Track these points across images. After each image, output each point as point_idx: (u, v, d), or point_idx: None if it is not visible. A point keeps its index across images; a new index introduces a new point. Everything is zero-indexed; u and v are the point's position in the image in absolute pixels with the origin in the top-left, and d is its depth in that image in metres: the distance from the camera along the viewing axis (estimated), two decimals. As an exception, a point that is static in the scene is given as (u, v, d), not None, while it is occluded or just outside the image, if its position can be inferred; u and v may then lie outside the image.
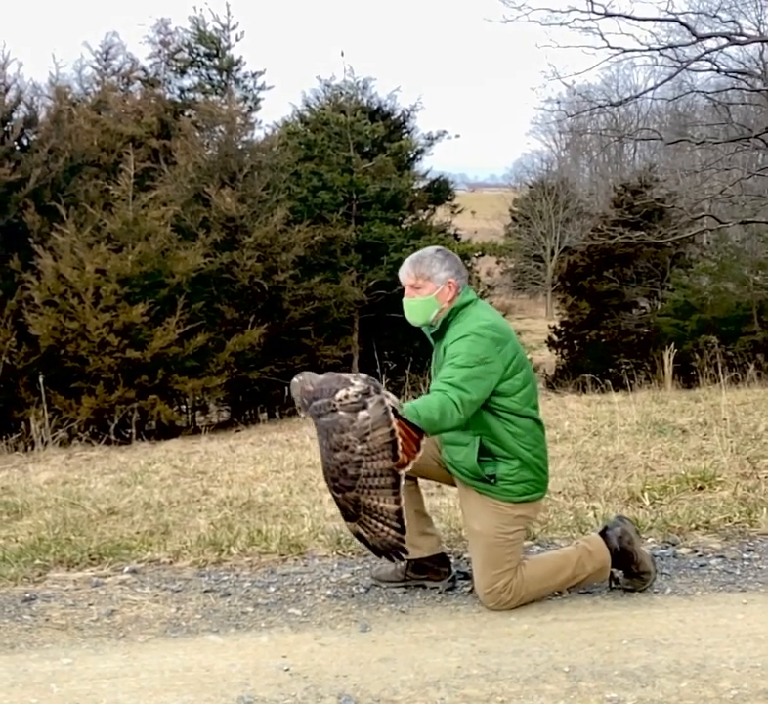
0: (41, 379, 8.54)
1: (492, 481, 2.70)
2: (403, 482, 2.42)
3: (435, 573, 2.95)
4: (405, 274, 2.79)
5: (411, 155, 13.56)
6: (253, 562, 3.29)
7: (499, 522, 2.70)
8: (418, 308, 2.79)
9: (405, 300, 2.81)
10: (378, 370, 10.64)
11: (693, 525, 3.51)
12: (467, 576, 3.03)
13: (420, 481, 2.99)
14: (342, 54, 13.19)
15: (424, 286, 2.76)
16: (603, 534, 2.84)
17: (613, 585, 2.86)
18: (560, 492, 4.21)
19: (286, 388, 10.27)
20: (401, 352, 11.29)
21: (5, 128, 10.74)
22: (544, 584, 2.77)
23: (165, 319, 9.49)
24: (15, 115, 11.18)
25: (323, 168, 12.07)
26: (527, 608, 2.74)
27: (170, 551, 3.46)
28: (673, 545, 3.31)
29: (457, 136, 13.93)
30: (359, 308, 11.46)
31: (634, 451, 5.14)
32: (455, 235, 13.54)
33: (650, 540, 3.36)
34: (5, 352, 9.04)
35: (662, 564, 3.08)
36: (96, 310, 9.31)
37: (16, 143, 10.93)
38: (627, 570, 2.82)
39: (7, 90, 11.16)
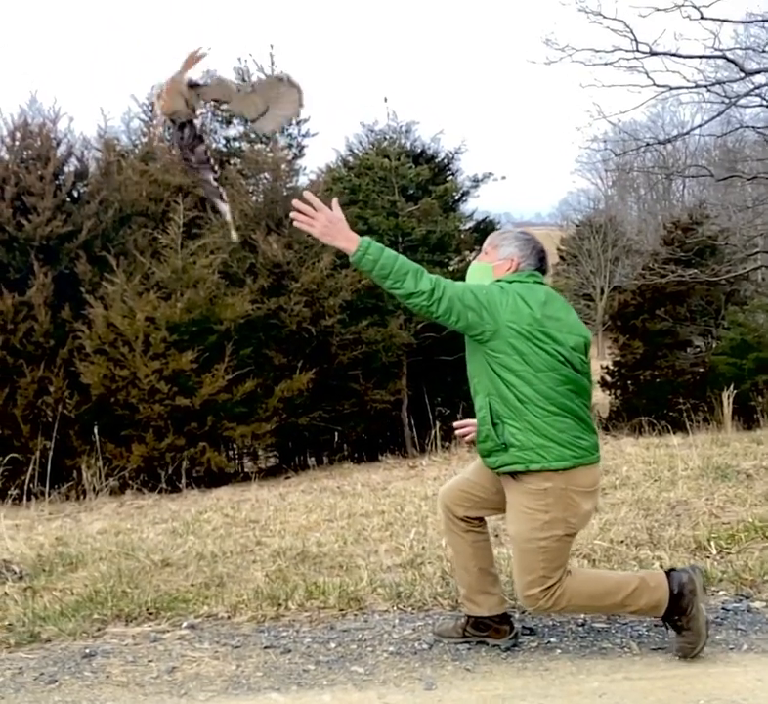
0: (93, 428, 8.71)
1: (504, 446, 2.68)
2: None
3: (496, 631, 2.91)
4: (486, 239, 2.96)
5: (457, 197, 13.68)
6: (312, 617, 3.28)
7: (530, 527, 2.67)
8: (474, 271, 2.92)
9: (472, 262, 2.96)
10: (429, 414, 10.68)
11: (766, 577, 3.41)
12: (532, 631, 2.99)
13: (490, 534, 2.95)
14: (385, 100, 13.43)
15: (489, 254, 2.89)
16: (668, 573, 2.77)
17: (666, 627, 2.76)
18: (623, 541, 4.14)
19: (336, 433, 10.35)
20: (452, 395, 11.26)
21: (57, 181, 11.05)
22: (591, 602, 2.72)
23: (214, 365, 9.59)
24: (66, 169, 11.51)
25: (369, 212, 12.23)
26: (596, 665, 2.68)
27: (227, 606, 3.46)
28: (747, 598, 3.22)
29: (503, 178, 13.98)
30: (407, 351, 11.48)
31: (697, 497, 5.04)
32: (502, 276, 13.58)
33: (720, 593, 3.28)
34: (58, 401, 9.21)
35: (736, 619, 3.00)
36: (146, 358, 9.46)
37: (67, 195, 11.24)
38: (676, 622, 2.72)
39: (58, 144, 11.51)
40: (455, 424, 3.19)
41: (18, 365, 9.38)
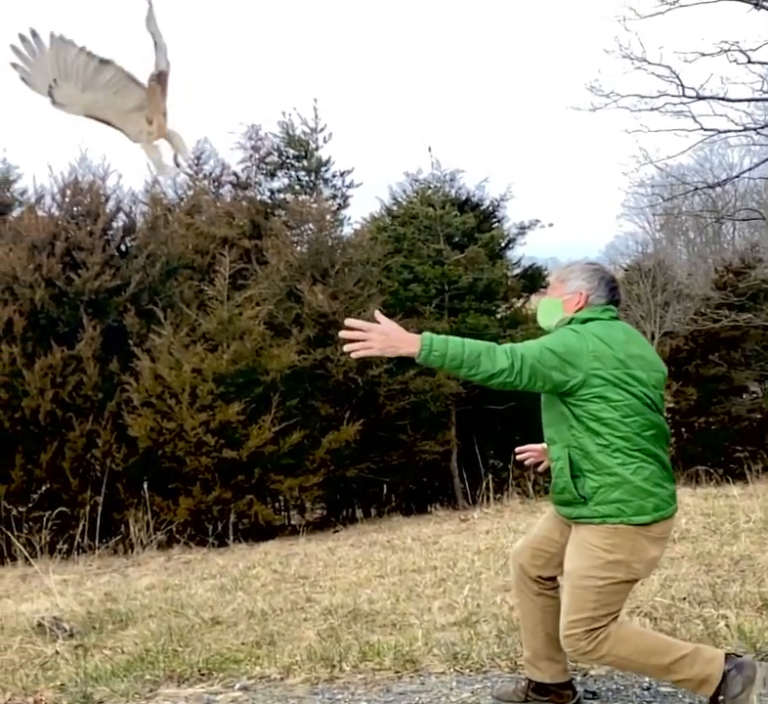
0: (141, 481, 8.80)
1: (583, 500, 2.60)
2: None
3: (558, 696, 2.83)
4: (552, 273, 2.94)
5: (503, 244, 13.75)
6: (367, 679, 3.23)
7: (589, 565, 2.57)
8: (544, 308, 2.87)
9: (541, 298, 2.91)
10: (480, 465, 10.60)
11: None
12: (595, 695, 2.92)
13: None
14: (429, 149, 13.61)
15: (557, 289, 2.84)
16: (727, 654, 2.62)
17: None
18: (685, 598, 4.04)
19: (384, 485, 10.30)
20: (502, 446, 11.18)
21: (106, 236, 11.35)
22: (635, 656, 2.59)
23: (260, 417, 9.66)
24: (115, 224, 11.83)
25: (414, 261, 12.34)
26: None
27: (280, 666, 3.43)
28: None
29: (551, 225, 14.04)
30: (456, 401, 11.46)
31: (761, 551, 4.92)
32: (551, 322, 13.55)
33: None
34: (106, 454, 9.32)
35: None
36: (192, 410, 9.56)
37: (116, 250, 11.53)
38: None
39: (107, 200, 11.86)
40: (517, 450, 3.14)
41: (67, 418, 9.55)
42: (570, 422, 2.63)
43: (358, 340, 2.55)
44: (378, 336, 2.54)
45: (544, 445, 2.86)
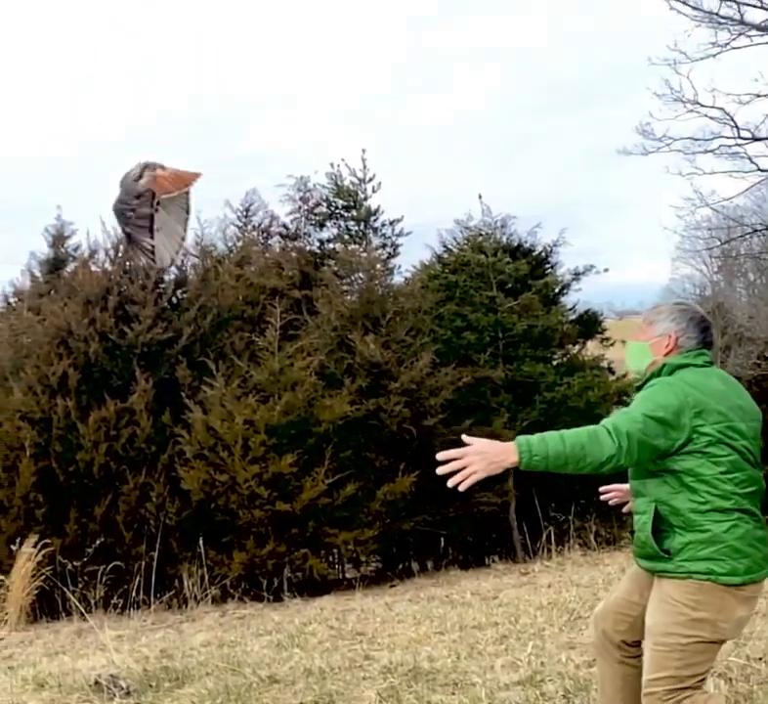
0: (194, 535, 8.86)
1: (667, 556, 2.51)
2: None
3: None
4: (642, 315, 2.86)
5: (557, 290, 13.72)
6: (431, 741, 3.20)
7: (672, 621, 2.48)
8: (631, 352, 2.83)
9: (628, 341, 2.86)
10: (539, 516, 10.45)
11: None
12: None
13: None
14: (480, 196, 13.66)
15: (645, 332, 2.79)
16: None
17: None
18: (761, 658, 3.94)
19: (442, 539, 10.20)
20: (562, 497, 11.02)
21: (158, 290, 11.63)
22: None
23: (314, 469, 9.69)
24: (167, 277, 12.12)
25: (467, 309, 12.36)
26: None
27: (342, 727, 3.41)
28: None
29: (606, 270, 13.94)
30: (513, 451, 11.37)
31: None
32: (609, 368, 13.41)
33: None
34: (159, 507, 9.41)
35: None
36: (245, 462, 9.62)
37: (168, 303, 11.79)
38: None
39: (159, 254, 12.17)
40: (602, 489, 3.05)
41: (120, 471, 9.68)
42: (664, 478, 2.56)
43: (457, 471, 2.49)
44: (476, 458, 2.49)
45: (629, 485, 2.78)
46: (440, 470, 2.51)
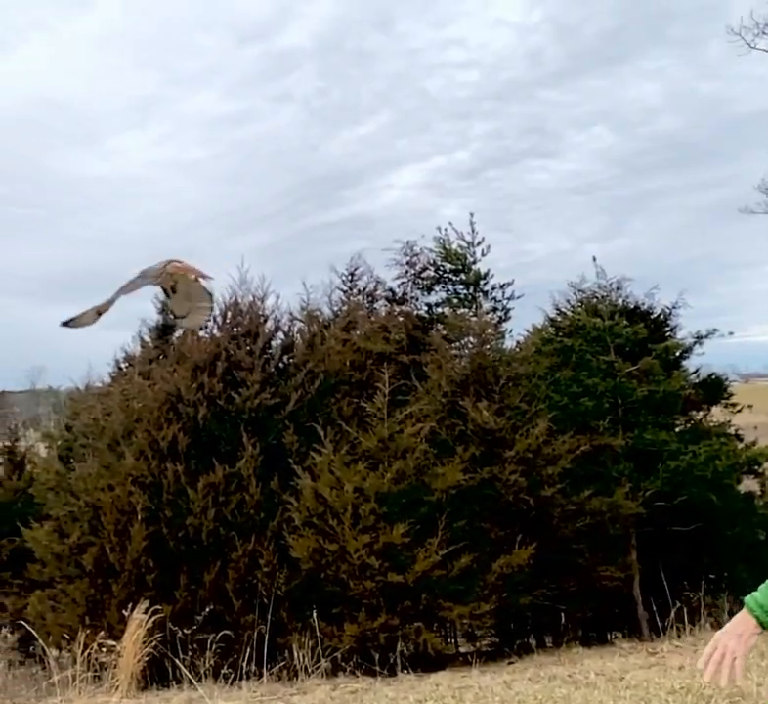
0: (304, 605, 9.04)
1: None
2: None
3: None
4: None
5: (678, 354, 13.67)
6: None
7: None
8: None
9: None
10: (667, 591, 10.27)
11: None
12: None
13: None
14: (594, 259, 13.84)
15: None
16: None
17: None
18: None
19: (562, 614, 10.12)
20: (690, 570, 10.84)
21: (265, 355, 12.12)
22: None
23: (427, 539, 9.79)
24: (274, 343, 12.62)
25: (583, 374, 12.43)
26: None
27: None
28: None
29: (730, 333, 13.85)
30: (636, 523, 11.27)
31: None
32: (737, 435, 13.21)
33: None
34: (269, 576, 9.65)
35: None
36: (355, 531, 9.80)
37: (275, 368, 12.24)
38: None
39: (266, 320, 12.70)
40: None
41: (230, 537, 9.99)
42: None
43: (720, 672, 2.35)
44: (729, 641, 2.39)
45: None
46: (706, 675, 2.40)
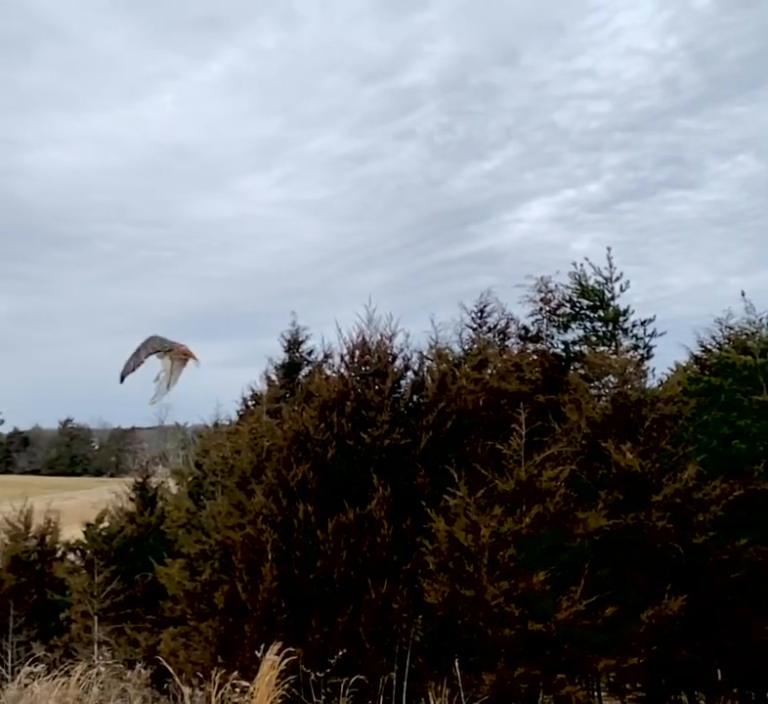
0: (438, 651, 9.22)
1: None
2: None
3: None
4: None
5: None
6: None
7: None
8: None
9: None
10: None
11: None
12: None
13: None
14: (743, 293, 13.76)
15: None
16: None
17: None
18: None
19: (719, 672, 9.97)
20: None
21: (395, 395, 12.48)
22: None
23: (569, 587, 9.84)
24: (403, 382, 12.98)
25: (734, 415, 12.32)
26: None
27: None
28: None
29: None
30: (796, 574, 11.07)
31: None
32: None
33: None
34: (403, 620, 9.88)
35: None
36: (493, 576, 9.94)
37: (404, 408, 12.58)
38: None
39: (395, 359, 13.09)
40: None
41: (361, 580, 10.28)
42: None
43: None
44: None
45: None
46: None
